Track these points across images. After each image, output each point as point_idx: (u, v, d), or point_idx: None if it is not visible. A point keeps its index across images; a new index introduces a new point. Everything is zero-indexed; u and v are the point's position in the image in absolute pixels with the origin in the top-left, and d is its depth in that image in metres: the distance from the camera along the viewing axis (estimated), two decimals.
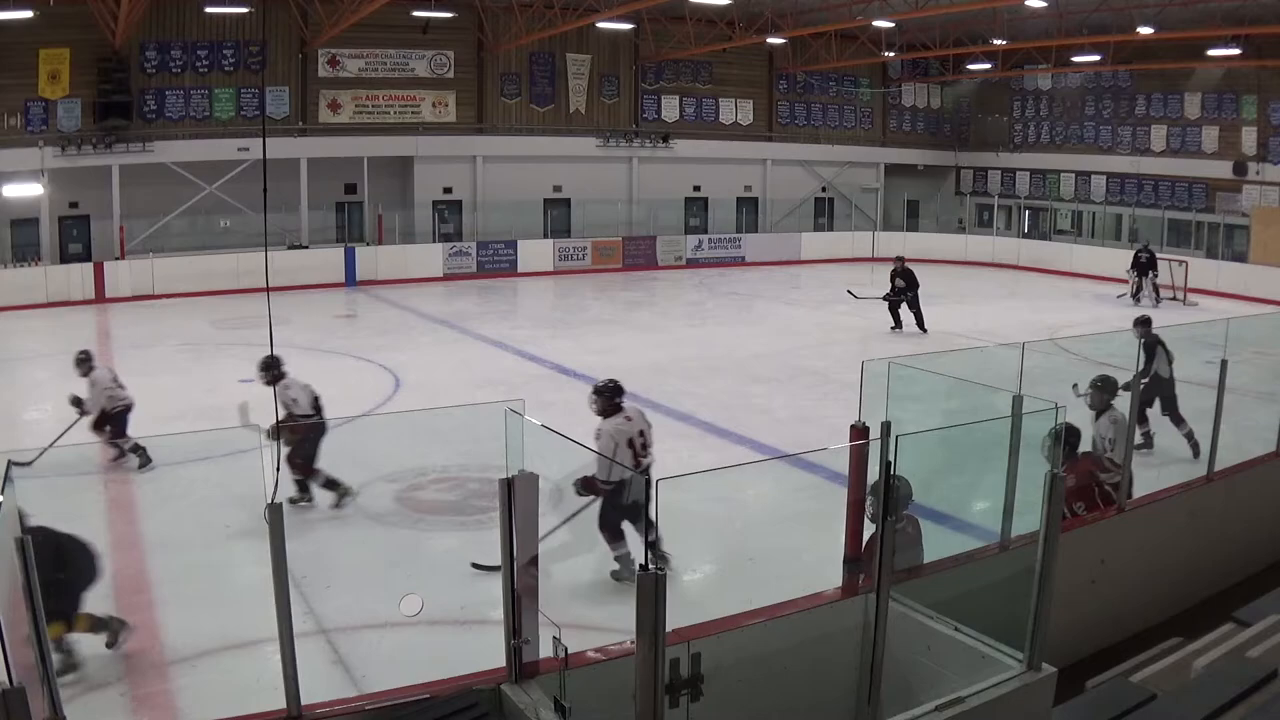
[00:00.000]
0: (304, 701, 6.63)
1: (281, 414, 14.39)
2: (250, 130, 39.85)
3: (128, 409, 16.76)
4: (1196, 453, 15.60)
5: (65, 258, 39.52)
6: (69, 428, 16.53)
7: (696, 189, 48.79)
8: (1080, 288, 38.76)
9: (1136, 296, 34.82)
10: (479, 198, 44.34)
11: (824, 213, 52.11)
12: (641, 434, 12.21)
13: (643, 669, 5.87)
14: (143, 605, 11.72)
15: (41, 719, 5.81)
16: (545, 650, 6.78)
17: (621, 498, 11.77)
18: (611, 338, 28.59)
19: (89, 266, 38.27)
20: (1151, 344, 16.89)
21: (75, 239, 40.29)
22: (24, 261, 38.35)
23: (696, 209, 49.15)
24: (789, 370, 23.60)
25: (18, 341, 28.68)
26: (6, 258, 38.75)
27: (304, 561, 6.83)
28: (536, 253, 43.62)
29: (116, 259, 38.73)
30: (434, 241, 43.28)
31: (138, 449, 16.19)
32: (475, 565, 12.30)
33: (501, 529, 6.76)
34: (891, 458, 7.20)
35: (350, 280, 39.89)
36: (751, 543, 13.06)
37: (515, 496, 6.69)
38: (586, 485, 11.59)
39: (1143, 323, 17.70)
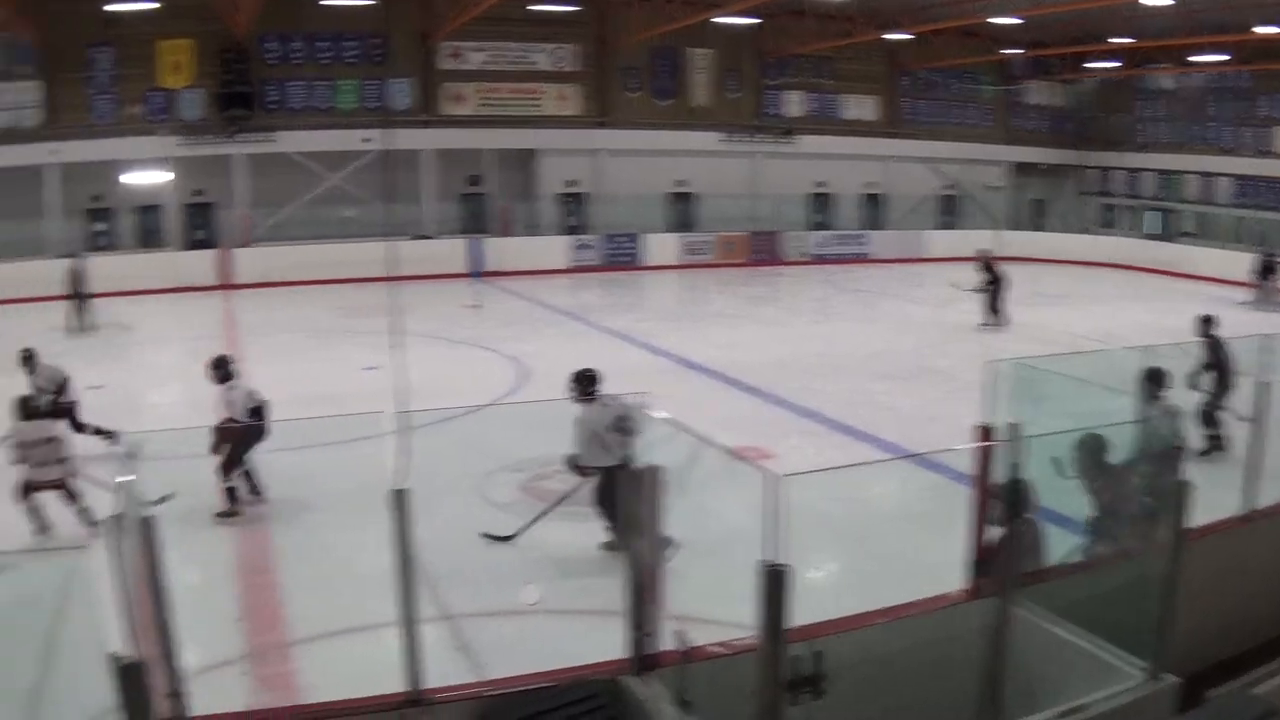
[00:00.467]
0: (425, 686, 6.73)
1: (223, 414, 14.84)
2: (373, 121, 40.49)
3: (74, 404, 17.31)
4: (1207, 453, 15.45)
5: (190, 244, 40.12)
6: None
7: (820, 185, 48.53)
8: (1204, 291, 37.70)
9: (1264, 302, 34.13)
10: (602, 191, 44.46)
11: (949, 210, 51.62)
12: (618, 420, 12.42)
13: (764, 665, 5.91)
14: (266, 586, 12.05)
15: (161, 694, 5.95)
16: (667, 643, 6.83)
17: (610, 482, 12.23)
18: (735, 332, 28.59)
19: (214, 253, 38.96)
20: (1215, 344, 16.64)
21: (200, 226, 40.95)
22: (151, 247, 39.05)
23: (820, 205, 48.91)
24: (913, 368, 23.43)
25: (144, 326, 29.14)
26: (134, 243, 39.54)
27: (427, 547, 6.92)
28: (661, 246, 43.70)
29: (241, 246, 39.26)
30: (558, 234, 43.51)
31: (101, 431, 16.57)
32: (485, 535, 12.68)
33: (627, 520, 6.81)
34: (1017, 460, 7.17)
35: (475, 271, 40.14)
36: (874, 542, 13.04)
37: (639, 489, 6.74)
38: (571, 462, 12.56)
39: (1205, 320, 17.40)
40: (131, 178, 39.37)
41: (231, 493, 14.33)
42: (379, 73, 42.08)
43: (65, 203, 39.32)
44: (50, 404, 16.76)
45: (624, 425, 12.25)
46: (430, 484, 7.32)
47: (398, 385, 7.90)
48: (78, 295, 30.61)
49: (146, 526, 5.97)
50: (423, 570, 6.78)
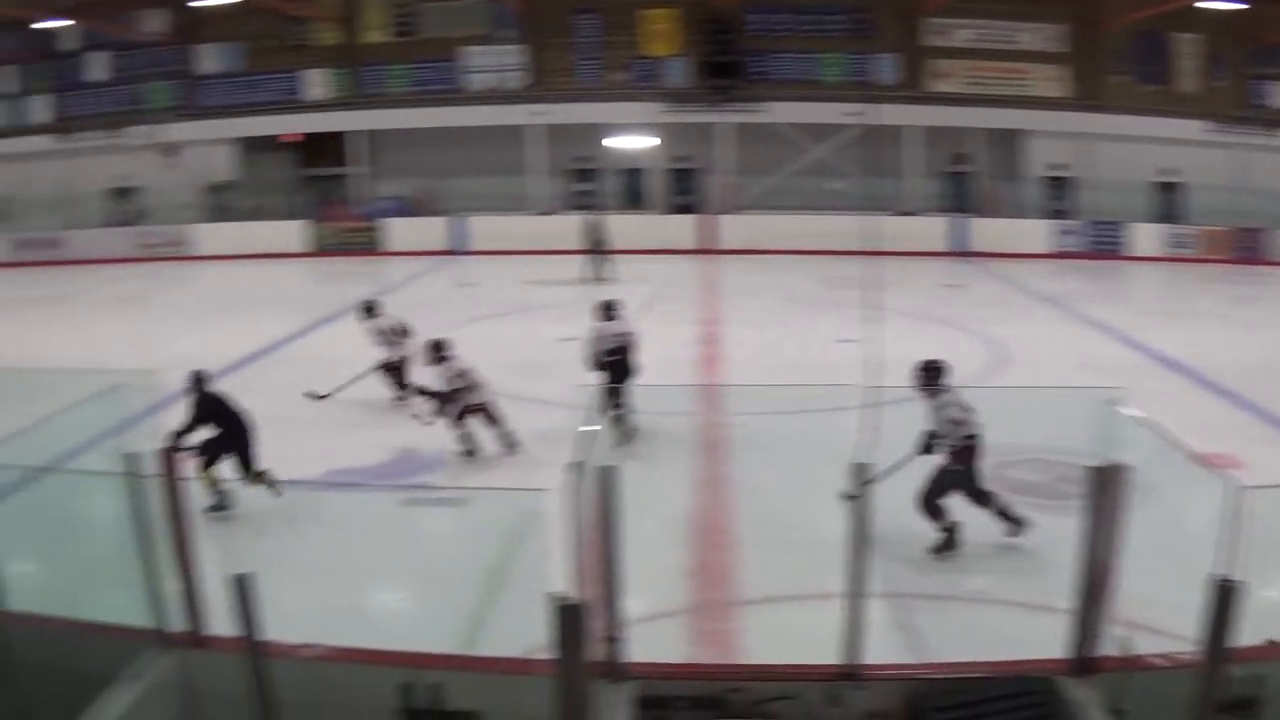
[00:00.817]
0: (861, 661, 6.77)
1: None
2: (857, 95, 40.49)
3: (403, 360, 18.73)
4: None
5: (673, 209, 41.15)
6: (362, 374, 18.37)
7: None
8: None
9: None
10: (1088, 175, 43.23)
11: None
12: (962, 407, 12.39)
13: (1201, 682, 5.75)
14: (719, 545, 12.29)
15: (599, 637, 6.13)
16: (1109, 648, 6.72)
17: (963, 468, 12.08)
18: (1215, 332, 27.09)
19: (697, 218, 39.94)
20: None
21: (683, 191, 41.96)
22: (633, 209, 40.32)
23: None
24: None
25: (636, 284, 29.99)
26: (616, 204, 40.94)
27: (882, 523, 6.94)
28: (1144, 236, 41.96)
29: (725, 213, 40.08)
30: (1041, 217, 42.56)
31: (424, 392, 17.22)
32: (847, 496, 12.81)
33: (1085, 519, 6.68)
34: None
35: (957, 250, 39.80)
36: None
37: (1103, 487, 6.59)
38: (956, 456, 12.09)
39: None
40: (615, 141, 40.76)
41: (616, 420, 15.34)
42: (864, 47, 42.23)
43: (548, 162, 41.03)
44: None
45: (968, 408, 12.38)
46: (894, 460, 7.32)
47: (870, 359, 7.95)
48: (596, 250, 32.19)
49: (606, 475, 6.19)
50: (877, 545, 6.81)
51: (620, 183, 43.50)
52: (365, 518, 11.73)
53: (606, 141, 41.57)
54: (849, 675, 6.73)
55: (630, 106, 41.04)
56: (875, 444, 6.61)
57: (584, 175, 43.39)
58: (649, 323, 25.01)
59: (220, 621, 6.84)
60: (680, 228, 40.71)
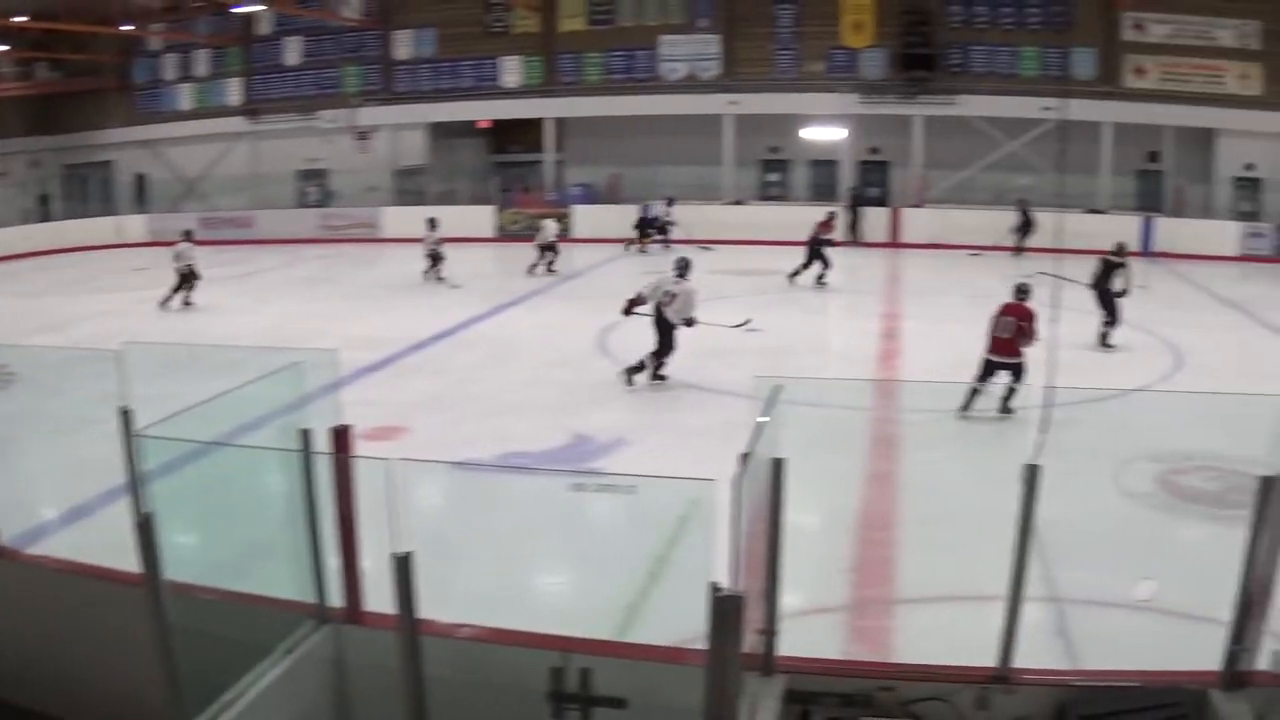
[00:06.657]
0: (1014, 664, 6.72)
1: None
2: (1053, 90, 40.00)
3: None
4: None
5: (861, 201, 40.99)
6: None
7: None
8: None
9: None
10: (1274, 177, 41.85)
11: None
12: None
13: None
14: (883, 542, 12.30)
15: (754, 629, 6.20)
16: (1263, 663, 6.62)
17: None
18: None
19: (887, 211, 40.20)
20: None
21: (873, 184, 41.89)
22: (822, 201, 40.22)
23: None
24: None
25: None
26: (805, 195, 41.03)
27: (1049, 526, 6.86)
28: None
29: (914, 206, 40.01)
30: (1230, 219, 41.21)
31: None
32: None
33: (1250, 529, 6.64)
34: None
35: (1145, 250, 38.73)
36: None
37: (1269, 498, 6.53)
38: None
39: None
40: (810, 133, 40.76)
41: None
42: (1061, 41, 41.53)
43: (739, 152, 41.15)
44: None
45: None
46: (1062, 462, 7.29)
47: (1048, 359, 7.89)
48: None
49: (776, 468, 6.22)
50: (1039, 549, 6.75)
51: (809, 174, 43.57)
52: (535, 501, 11.84)
53: (803, 132, 41.60)
54: (1000, 679, 6.66)
55: (825, 98, 41.12)
56: (1044, 445, 6.54)
57: (773, 166, 43.67)
58: (830, 313, 25.15)
59: (379, 599, 6.97)
60: (870, 221, 40.63)
